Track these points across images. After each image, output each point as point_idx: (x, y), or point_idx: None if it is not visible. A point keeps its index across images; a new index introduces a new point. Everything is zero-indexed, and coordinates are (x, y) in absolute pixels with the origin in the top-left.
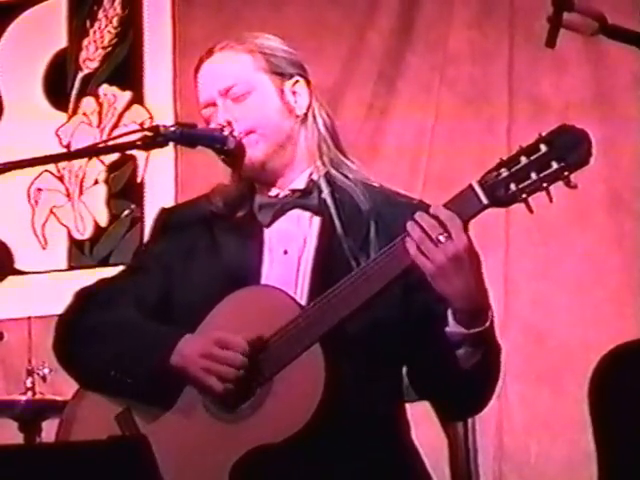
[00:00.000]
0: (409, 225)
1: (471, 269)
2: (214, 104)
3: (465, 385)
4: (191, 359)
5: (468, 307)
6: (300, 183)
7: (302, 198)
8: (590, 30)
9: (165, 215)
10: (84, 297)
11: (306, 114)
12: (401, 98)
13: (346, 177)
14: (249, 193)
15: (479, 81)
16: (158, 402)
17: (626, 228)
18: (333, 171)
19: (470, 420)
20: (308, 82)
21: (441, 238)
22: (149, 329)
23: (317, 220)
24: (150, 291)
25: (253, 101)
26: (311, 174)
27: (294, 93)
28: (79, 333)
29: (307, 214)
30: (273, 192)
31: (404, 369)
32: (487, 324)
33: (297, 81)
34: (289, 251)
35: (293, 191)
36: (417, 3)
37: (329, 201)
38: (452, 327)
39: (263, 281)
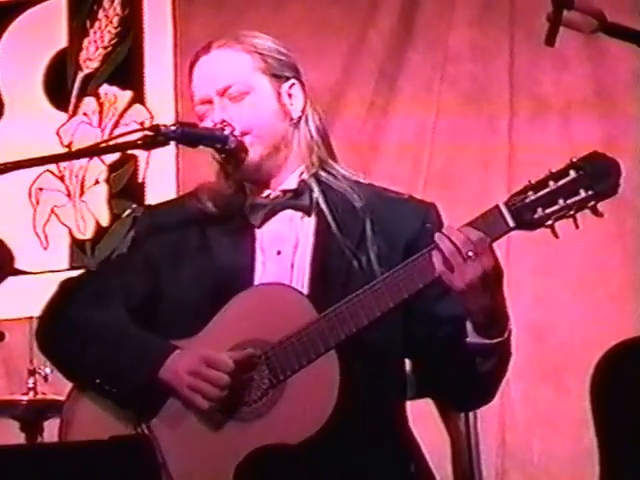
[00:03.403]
0: (437, 237)
1: (496, 287)
2: (210, 102)
3: (476, 386)
4: (178, 375)
5: (490, 321)
6: (291, 183)
7: (293, 198)
8: (590, 28)
9: (153, 212)
10: (70, 288)
11: (300, 117)
12: (402, 96)
13: (335, 177)
14: (239, 193)
15: (480, 79)
16: (143, 410)
17: (627, 226)
18: (322, 172)
19: (472, 418)
20: (303, 85)
21: (470, 254)
22: (140, 339)
23: (309, 220)
24: (138, 288)
25: (250, 102)
26: (301, 174)
27: (290, 96)
28: (63, 326)
29: (298, 214)
30: (264, 192)
31: (408, 367)
32: (506, 334)
33: (293, 84)
34: (282, 251)
35: (284, 192)
36: (418, 2)
37: (321, 201)
38: (472, 337)
39: (256, 281)
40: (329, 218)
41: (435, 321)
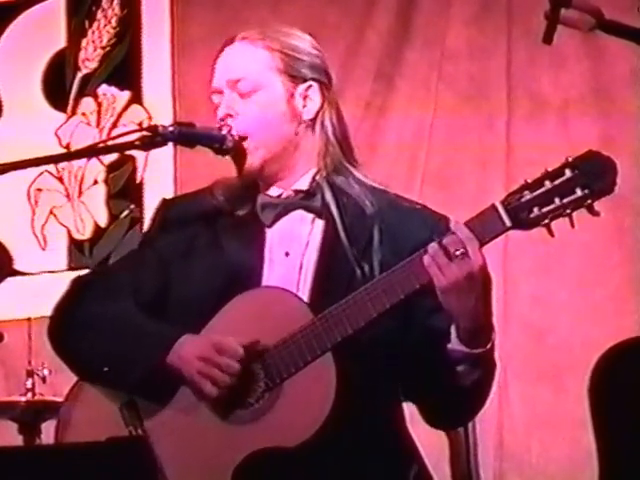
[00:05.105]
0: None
1: (482, 290)
2: (221, 92)
3: (458, 401)
4: (188, 360)
5: (472, 326)
6: (304, 184)
7: (305, 199)
8: (587, 26)
9: (167, 206)
10: (81, 285)
11: (314, 119)
12: (399, 95)
13: (350, 181)
14: (253, 190)
15: (477, 78)
16: (154, 399)
17: (626, 224)
18: (336, 175)
19: None
20: (325, 87)
21: (457, 254)
22: (147, 327)
23: (319, 223)
24: (147, 284)
25: (258, 100)
26: (315, 175)
27: (305, 97)
28: (75, 323)
29: (310, 216)
30: (276, 192)
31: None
32: (489, 346)
33: (310, 86)
34: (291, 253)
35: (296, 192)
36: (415, 1)
37: (332, 204)
38: (454, 344)
39: (264, 282)
40: (337, 223)
41: (426, 332)
